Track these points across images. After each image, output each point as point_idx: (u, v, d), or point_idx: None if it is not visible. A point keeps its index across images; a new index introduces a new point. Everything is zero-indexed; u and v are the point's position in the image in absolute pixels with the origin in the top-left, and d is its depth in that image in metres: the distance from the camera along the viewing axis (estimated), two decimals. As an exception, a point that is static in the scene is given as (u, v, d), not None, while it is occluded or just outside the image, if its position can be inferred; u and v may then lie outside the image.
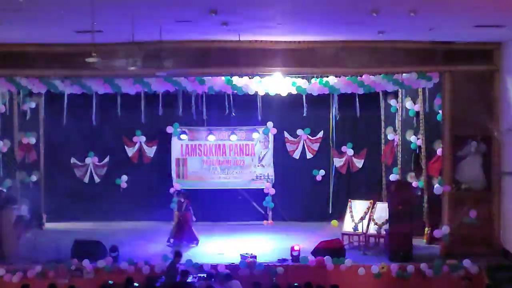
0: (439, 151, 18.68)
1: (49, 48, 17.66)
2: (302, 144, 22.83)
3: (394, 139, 21.32)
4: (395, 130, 21.30)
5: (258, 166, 22.89)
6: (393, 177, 21.11)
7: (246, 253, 17.48)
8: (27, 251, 18.21)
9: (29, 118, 20.98)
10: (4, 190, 19.68)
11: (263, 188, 22.81)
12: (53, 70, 18.08)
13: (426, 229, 19.37)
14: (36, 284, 16.05)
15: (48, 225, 22.10)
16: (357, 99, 19.89)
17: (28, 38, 16.62)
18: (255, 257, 17.29)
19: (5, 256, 17.77)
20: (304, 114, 20.47)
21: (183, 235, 19.43)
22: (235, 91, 19.25)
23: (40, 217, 21.64)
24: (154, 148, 22.82)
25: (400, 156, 20.95)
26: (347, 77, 18.54)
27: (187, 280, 15.48)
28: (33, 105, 21.09)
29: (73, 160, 22.71)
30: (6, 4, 11.45)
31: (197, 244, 19.33)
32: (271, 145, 22.87)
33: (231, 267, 16.77)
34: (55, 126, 21.08)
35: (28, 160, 21.53)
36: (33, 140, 21.56)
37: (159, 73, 16.93)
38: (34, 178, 21.74)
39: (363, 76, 18.45)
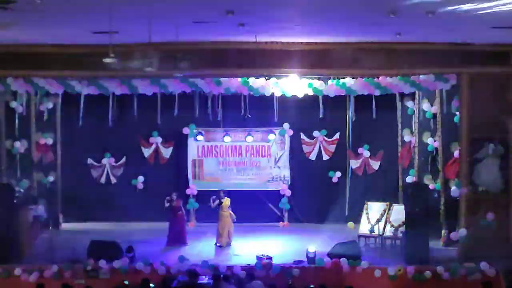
0: (456, 153, 18.60)
1: (66, 49, 17.72)
2: (319, 145, 22.78)
3: (411, 141, 21.24)
4: (412, 132, 21.21)
5: (274, 167, 22.87)
6: (409, 179, 21.02)
7: (262, 255, 17.48)
8: (44, 251, 18.32)
9: (46, 118, 21.06)
10: (22, 191, 19.78)
11: (279, 190, 22.79)
12: (70, 71, 18.14)
13: (443, 231, 19.30)
14: (52, 284, 16.12)
15: (65, 226, 22.22)
16: (373, 101, 19.79)
17: (45, 39, 16.70)
18: (271, 258, 17.29)
19: (22, 256, 17.88)
20: (321, 116, 20.39)
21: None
22: (252, 92, 19.22)
23: (57, 218, 21.72)
24: (171, 149, 22.85)
25: (417, 158, 20.87)
26: (363, 79, 18.46)
27: (201, 282, 15.51)
28: (50, 105, 21.17)
29: (89, 160, 22.80)
30: (24, 5, 11.50)
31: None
32: (287, 146, 22.85)
33: (247, 268, 16.77)
34: (72, 126, 21.14)
35: (45, 160, 21.62)
36: (50, 141, 21.65)
37: (175, 74, 16.92)
38: (51, 178, 21.83)
39: (379, 78, 18.38)
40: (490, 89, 17.90)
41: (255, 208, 22.49)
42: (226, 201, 19.81)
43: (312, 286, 14.72)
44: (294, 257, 17.78)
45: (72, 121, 20.73)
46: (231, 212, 19.79)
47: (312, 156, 22.81)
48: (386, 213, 19.40)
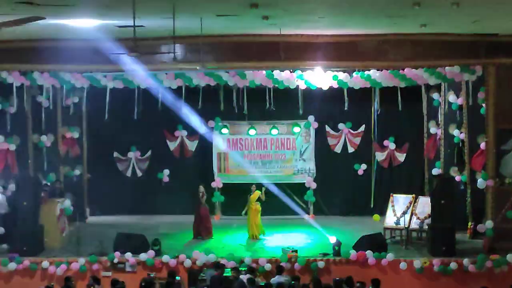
0: (482, 145, 18.46)
1: (91, 43, 17.79)
2: (344, 138, 22.70)
3: (436, 133, 21.13)
4: (437, 124, 21.10)
5: (299, 160, 22.84)
6: (435, 171, 20.93)
7: (288, 247, 17.49)
8: (71, 244, 18.45)
9: (72, 112, 21.19)
10: (49, 184, 19.93)
11: (304, 182, 22.75)
12: (95, 65, 18.21)
13: (469, 223, 19.19)
14: (79, 277, 16.31)
15: (91, 219, 22.39)
16: (399, 93, 19.72)
17: (71, 33, 16.77)
18: (296, 251, 17.30)
19: (49, 249, 18.03)
20: (346, 108, 20.33)
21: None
22: (276, 85, 19.22)
23: (83, 211, 21.88)
24: (196, 142, 22.89)
25: (443, 150, 20.76)
26: (389, 71, 18.41)
27: (227, 274, 15.54)
28: (76, 99, 21.29)
29: (115, 154, 22.90)
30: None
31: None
32: (312, 139, 22.80)
33: (273, 261, 16.80)
34: (98, 120, 21.22)
35: (72, 154, 21.76)
36: (76, 135, 21.78)
37: (200, 68, 16.96)
38: (77, 172, 21.98)
39: (405, 70, 18.32)
40: (517, 80, 17.80)
41: (280, 201, 22.41)
42: (255, 194, 19.81)
43: (337, 278, 14.69)
44: (320, 249, 17.80)
45: (98, 115, 20.81)
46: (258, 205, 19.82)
47: (338, 149, 22.74)
48: (412, 206, 19.29)
